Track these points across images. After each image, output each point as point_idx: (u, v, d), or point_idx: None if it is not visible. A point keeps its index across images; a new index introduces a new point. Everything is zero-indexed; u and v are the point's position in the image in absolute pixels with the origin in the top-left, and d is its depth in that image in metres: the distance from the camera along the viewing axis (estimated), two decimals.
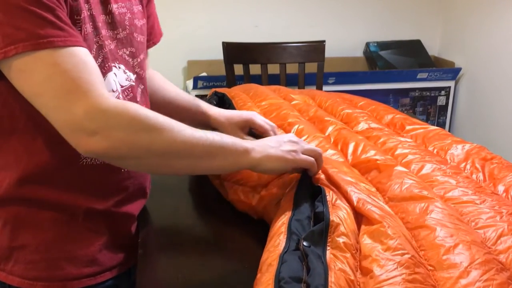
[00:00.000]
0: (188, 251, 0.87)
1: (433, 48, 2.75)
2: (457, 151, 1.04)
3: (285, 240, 0.69)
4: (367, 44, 2.67)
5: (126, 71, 0.90)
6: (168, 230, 0.95)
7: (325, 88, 2.27)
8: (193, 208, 1.04)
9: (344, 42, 2.67)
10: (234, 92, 1.41)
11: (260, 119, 1.09)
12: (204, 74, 2.46)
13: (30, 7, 0.68)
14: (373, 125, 1.18)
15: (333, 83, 2.40)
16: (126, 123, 0.72)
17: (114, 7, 0.87)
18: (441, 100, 2.60)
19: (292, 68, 2.22)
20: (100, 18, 0.84)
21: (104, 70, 0.84)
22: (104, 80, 0.82)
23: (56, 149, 0.81)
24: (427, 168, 0.94)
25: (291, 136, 0.88)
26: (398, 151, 1.02)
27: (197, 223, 0.98)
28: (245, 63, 2.20)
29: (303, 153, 0.85)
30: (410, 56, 2.65)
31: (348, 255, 0.67)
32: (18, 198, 0.83)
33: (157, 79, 1.12)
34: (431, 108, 2.60)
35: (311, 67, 2.22)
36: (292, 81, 2.19)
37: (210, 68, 2.48)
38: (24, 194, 0.83)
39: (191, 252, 0.87)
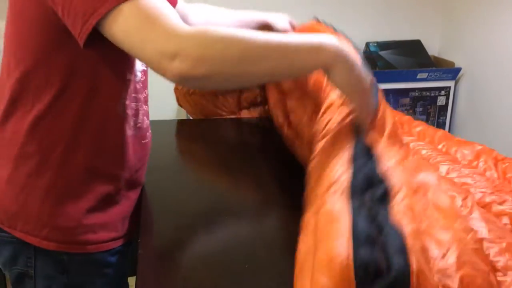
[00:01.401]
0: (188, 251, 0.88)
1: (433, 48, 2.75)
2: (467, 150, 1.03)
3: (345, 198, 0.67)
4: (367, 44, 2.67)
5: None
6: (169, 230, 0.95)
7: None
8: (193, 208, 1.04)
9: None
10: None
11: (282, 24, 1.17)
12: None
13: None
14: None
15: None
16: (200, 40, 0.75)
17: None
18: (441, 100, 2.60)
19: None
20: None
21: None
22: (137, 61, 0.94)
23: (107, 117, 0.92)
24: (442, 170, 0.93)
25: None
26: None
27: (197, 223, 0.98)
28: None
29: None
30: (410, 56, 2.65)
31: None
32: (66, 166, 0.90)
33: (208, 8, 1.29)
34: (431, 108, 2.60)
35: None
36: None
37: None
38: (73, 162, 0.91)
39: (191, 252, 0.87)
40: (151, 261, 0.84)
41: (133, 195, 1.03)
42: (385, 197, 0.67)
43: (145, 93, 1.02)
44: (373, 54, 2.63)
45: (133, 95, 0.96)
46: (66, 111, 0.89)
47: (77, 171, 0.92)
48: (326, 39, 0.79)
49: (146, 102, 1.03)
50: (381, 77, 2.48)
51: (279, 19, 1.25)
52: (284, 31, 1.17)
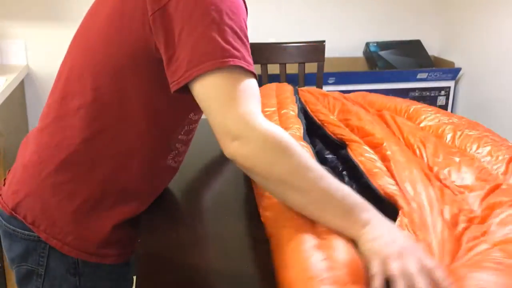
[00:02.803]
0: (188, 251, 0.88)
1: (433, 48, 2.75)
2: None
3: None
4: (367, 44, 2.67)
5: None
6: (169, 230, 0.96)
7: (325, 88, 2.27)
8: (193, 208, 1.05)
9: (344, 42, 2.68)
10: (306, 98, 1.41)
11: None
12: None
13: (243, 37, 0.82)
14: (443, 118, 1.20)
15: (333, 83, 2.40)
16: (265, 139, 0.76)
17: None
18: (441, 100, 2.60)
19: (292, 68, 2.22)
20: None
21: None
22: None
23: (159, 148, 0.96)
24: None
25: (413, 246, 0.73)
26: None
27: (197, 223, 0.98)
28: None
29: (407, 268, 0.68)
30: (410, 56, 2.65)
31: None
32: (104, 184, 0.93)
33: None
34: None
35: (311, 67, 2.22)
36: (292, 81, 2.19)
37: None
38: (111, 181, 0.93)
39: (191, 252, 0.87)
40: (151, 261, 0.84)
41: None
42: None
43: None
44: (373, 54, 2.63)
45: (186, 128, 0.99)
46: (124, 134, 0.91)
47: (112, 191, 0.94)
48: (373, 222, 0.75)
49: (191, 139, 1.06)
50: (381, 77, 2.48)
51: None
52: None
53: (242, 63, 0.79)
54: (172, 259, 0.85)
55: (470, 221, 0.83)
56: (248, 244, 0.89)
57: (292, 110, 1.21)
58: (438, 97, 2.59)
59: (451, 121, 1.20)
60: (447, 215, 0.83)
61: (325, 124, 1.22)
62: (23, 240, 0.95)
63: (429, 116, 1.23)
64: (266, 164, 0.77)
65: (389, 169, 0.98)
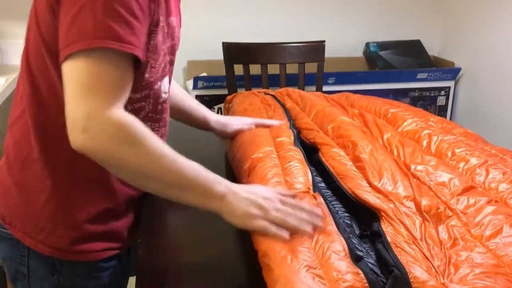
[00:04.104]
0: (188, 251, 0.88)
1: (433, 48, 2.75)
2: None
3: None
4: (367, 44, 2.67)
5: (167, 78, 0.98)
6: (169, 230, 0.96)
7: (325, 88, 2.27)
8: (193, 208, 1.04)
9: (344, 42, 2.68)
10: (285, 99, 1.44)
11: (234, 126, 1.20)
12: (204, 74, 2.46)
13: (127, 15, 0.77)
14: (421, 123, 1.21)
15: (333, 83, 2.40)
16: (113, 132, 0.76)
17: (173, 19, 0.94)
18: (440, 100, 2.60)
19: (292, 68, 2.22)
20: (164, 27, 0.90)
21: (164, 73, 0.94)
22: (161, 83, 0.93)
23: None
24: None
25: (269, 191, 0.86)
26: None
27: (197, 223, 0.98)
28: (245, 63, 2.20)
29: (276, 212, 0.81)
30: (410, 56, 2.65)
31: None
32: (68, 175, 0.90)
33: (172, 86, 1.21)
34: (431, 108, 2.60)
35: (311, 67, 2.22)
36: (292, 81, 2.19)
37: (210, 68, 2.48)
38: (75, 172, 0.90)
39: (191, 252, 0.87)
40: (151, 261, 0.84)
41: (137, 207, 1.02)
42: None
43: (167, 115, 1.02)
44: (373, 54, 2.63)
45: (150, 114, 0.96)
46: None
47: (78, 181, 0.92)
48: (229, 191, 0.82)
49: (165, 124, 1.02)
50: (381, 77, 2.48)
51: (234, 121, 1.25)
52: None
53: (112, 45, 0.75)
54: (172, 258, 0.85)
55: (445, 210, 0.87)
56: (249, 244, 0.89)
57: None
58: (438, 97, 2.59)
59: (429, 124, 1.22)
60: (423, 207, 0.86)
61: (301, 130, 1.23)
62: (7, 240, 0.95)
63: (407, 120, 1.23)
64: (116, 157, 0.77)
65: (362, 170, 0.98)
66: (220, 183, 0.82)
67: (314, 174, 0.99)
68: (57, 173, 0.90)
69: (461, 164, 1.03)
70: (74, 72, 0.76)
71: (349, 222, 0.87)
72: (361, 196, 0.88)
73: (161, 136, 1.01)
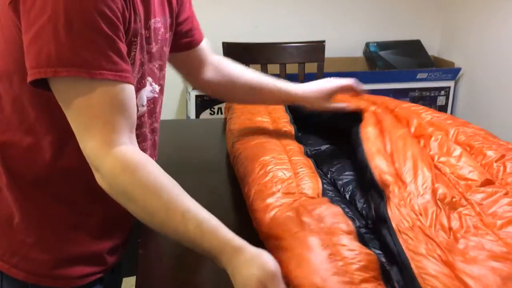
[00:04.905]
0: (188, 251, 0.88)
1: (432, 48, 2.75)
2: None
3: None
4: (367, 44, 2.67)
5: (153, 83, 0.93)
6: None
7: None
8: None
9: (344, 42, 2.68)
10: None
11: (340, 82, 1.16)
12: None
13: (92, 34, 0.71)
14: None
15: None
16: (113, 174, 0.74)
17: (153, 22, 0.88)
18: (440, 100, 2.60)
19: (292, 68, 2.22)
20: (143, 35, 0.86)
21: (140, 85, 0.88)
22: (137, 96, 0.87)
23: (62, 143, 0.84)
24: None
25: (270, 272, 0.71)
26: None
27: None
28: (245, 63, 2.18)
29: None
30: (409, 56, 2.65)
31: None
32: (41, 194, 0.86)
33: (233, 67, 1.18)
34: (431, 108, 2.60)
35: (311, 67, 2.22)
36: (292, 81, 2.18)
37: None
38: (48, 191, 0.86)
39: (191, 252, 0.87)
40: (151, 261, 0.85)
41: (123, 226, 0.97)
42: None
43: (153, 125, 0.97)
44: (373, 54, 2.63)
45: None
46: (32, 144, 0.83)
47: (48, 201, 0.86)
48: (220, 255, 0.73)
49: (145, 139, 0.94)
50: (381, 77, 2.48)
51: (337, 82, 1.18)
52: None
53: (79, 72, 0.70)
54: (172, 259, 0.85)
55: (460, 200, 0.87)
56: (249, 237, 0.89)
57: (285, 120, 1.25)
58: (438, 97, 2.59)
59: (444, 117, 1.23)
60: (438, 196, 0.86)
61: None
62: None
63: (423, 113, 1.24)
64: (122, 194, 0.75)
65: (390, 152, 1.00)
66: (223, 253, 0.73)
67: (324, 182, 0.99)
68: (26, 194, 0.85)
69: (479, 158, 1.01)
70: (65, 103, 0.74)
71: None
72: (374, 162, 0.92)
73: (143, 151, 0.87)
